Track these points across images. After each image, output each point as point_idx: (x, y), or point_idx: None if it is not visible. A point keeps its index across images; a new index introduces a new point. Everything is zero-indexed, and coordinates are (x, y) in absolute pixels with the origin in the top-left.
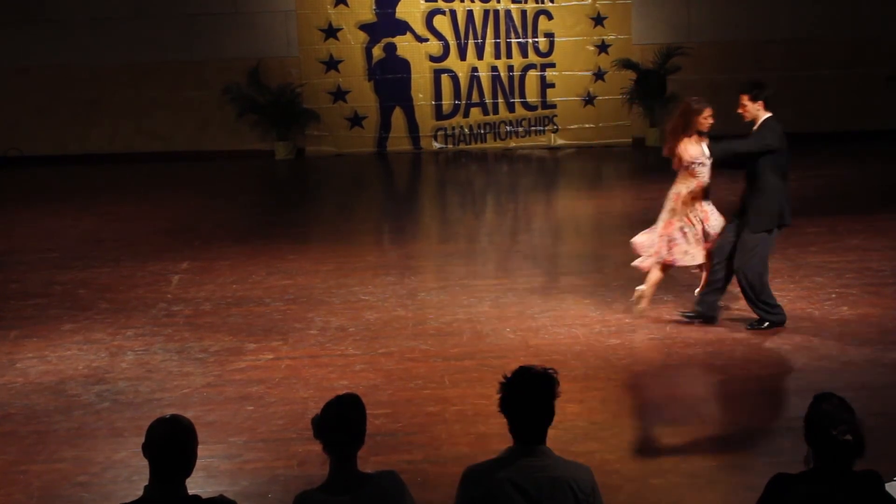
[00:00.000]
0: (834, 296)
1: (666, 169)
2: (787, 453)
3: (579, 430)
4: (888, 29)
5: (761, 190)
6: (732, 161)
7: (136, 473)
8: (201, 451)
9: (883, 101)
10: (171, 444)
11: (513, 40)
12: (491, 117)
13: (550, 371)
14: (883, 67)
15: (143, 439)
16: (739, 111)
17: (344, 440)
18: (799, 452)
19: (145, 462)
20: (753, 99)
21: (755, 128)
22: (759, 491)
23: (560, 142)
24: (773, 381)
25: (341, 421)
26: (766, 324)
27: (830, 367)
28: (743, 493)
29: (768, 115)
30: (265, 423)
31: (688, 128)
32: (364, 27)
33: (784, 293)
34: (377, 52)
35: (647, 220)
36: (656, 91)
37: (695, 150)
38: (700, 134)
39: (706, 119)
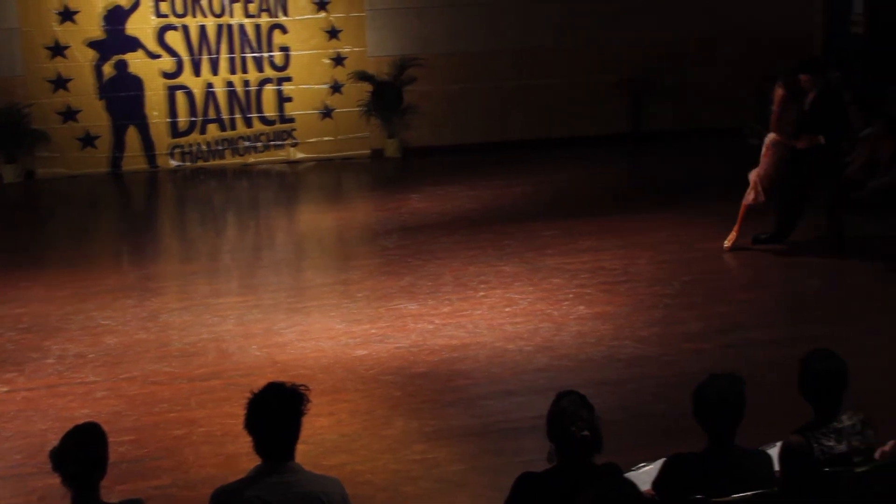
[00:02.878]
0: (571, 296)
1: (405, 179)
2: (531, 452)
3: (329, 443)
4: (615, 37)
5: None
6: None
7: None
8: None
9: (612, 107)
10: None
11: (248, 55)
12: (228, 133)
13: (300, 387)
14: (611, 74)
15: None
16: None
17: (83, 471)
18: (543, 450)
19: None
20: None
21: None
22: (507, 491)
23: (299, 155)
24: (517, 383)
25: (79, 451)
26: None
27: (570, 365)
28: (492, 494)
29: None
30: (1, 459)
31: None
32: (93, 44)
33: (523, 296)
34: (108, 69)
35: (389, 231)
36: (393, 102)
37: None
38: None
39: None
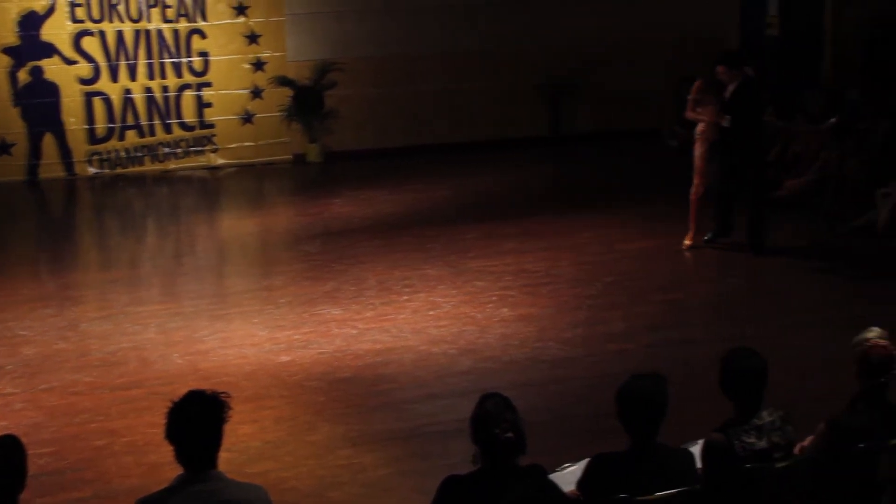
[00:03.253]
0: (495, 298)
1: (328, 184)
2: (457, 455)
3: (253, 450)
4: (535, 40)
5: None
6: None
7: None
8: None
9: (528, 110)
10: None
11: (166, 60)
12: (148, 139)
13: (221, 395)
14: (532, 77)
15: None
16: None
17: (2, 484)
18: (469, 453)
19: None
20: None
21: None
22: (432, 494)
23: (220, 161)
24: (442, 386)
25: None
26: None
27: (494, 367)
28: (418, 498)
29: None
30: None
31: None
32: (7, 50)
33: (447, 299)
34: (23, 76)
35: (311, 236)
36: (314, 107)
37: None
38: None
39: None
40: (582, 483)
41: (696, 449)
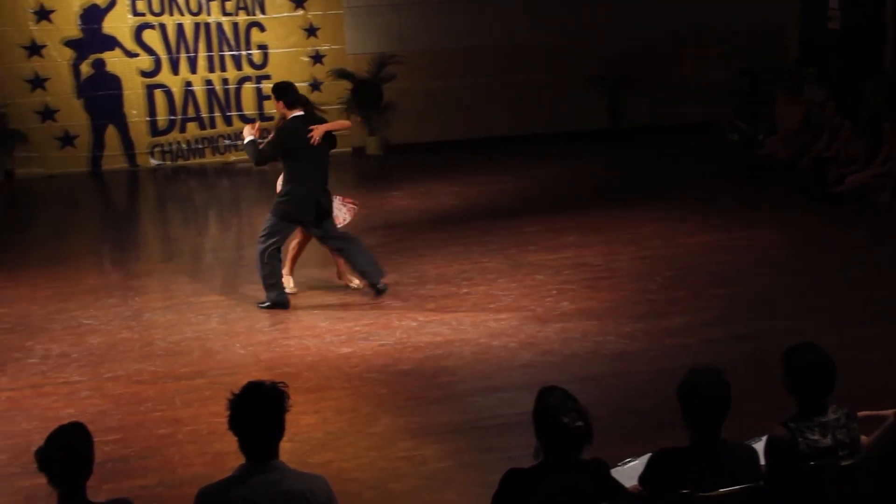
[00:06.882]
0: (555, 292)
1: (387, 176)
2: (518, 448)
3: (315, 441)
4: (593, 32)
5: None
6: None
7: None
8: None
9: (584, 102)
10: None
11: (226, 53)
12: (208, 131)
13: (280, 385)
14: (590, 70)
15: None
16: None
17: (69, 471)
18: (530, 446)
19: None
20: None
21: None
22: (494, 487)
23: None
24: (502, 379)
25: (65, 451)
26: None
27: (555, 360)
28: (480, 491)
29: (293, 115)
30: None
31: None
32: (70, 43)
33: (507, 292)
34: (86, 68)
35: (371, 228)
36: (373, 100)
37: None
38: None
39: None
40: (644, 478)
41: (759, 445)
